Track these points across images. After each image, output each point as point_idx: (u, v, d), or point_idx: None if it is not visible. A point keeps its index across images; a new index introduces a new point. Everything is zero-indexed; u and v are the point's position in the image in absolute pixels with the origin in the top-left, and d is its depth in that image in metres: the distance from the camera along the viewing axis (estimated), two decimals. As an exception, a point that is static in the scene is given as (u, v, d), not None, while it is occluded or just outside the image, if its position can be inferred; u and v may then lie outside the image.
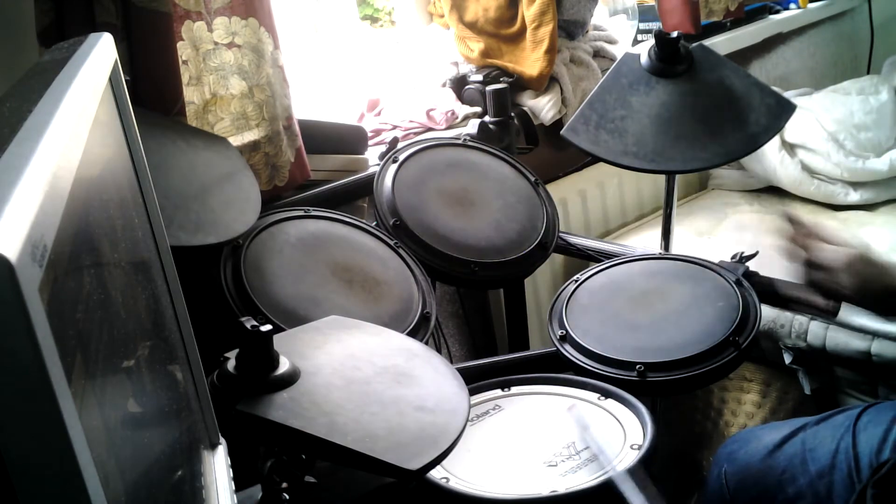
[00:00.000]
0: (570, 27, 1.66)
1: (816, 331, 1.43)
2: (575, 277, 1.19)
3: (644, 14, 1.96)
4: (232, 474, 0.76)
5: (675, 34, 1.26)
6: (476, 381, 1.05)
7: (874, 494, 0.85)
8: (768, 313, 1.47)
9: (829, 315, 1.12)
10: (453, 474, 0.89)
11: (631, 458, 0.87)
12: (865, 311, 1.29)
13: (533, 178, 1.32)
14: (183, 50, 1.12)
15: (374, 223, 1.18)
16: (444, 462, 0.80)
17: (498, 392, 1.05)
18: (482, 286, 1.50)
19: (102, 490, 0.33)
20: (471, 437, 0.95)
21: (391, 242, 1.15)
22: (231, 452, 0.80)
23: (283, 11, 1.51)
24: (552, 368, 1.07)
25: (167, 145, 1.02)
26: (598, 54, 1.74)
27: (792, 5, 2.26)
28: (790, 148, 1.90)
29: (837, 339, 1.41)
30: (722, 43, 1.98)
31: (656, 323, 1.07)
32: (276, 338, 0.75)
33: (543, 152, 1.63)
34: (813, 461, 1.01)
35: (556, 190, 1.62)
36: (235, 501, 0.72)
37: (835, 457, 0.99)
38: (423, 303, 1.10)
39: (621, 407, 0.98)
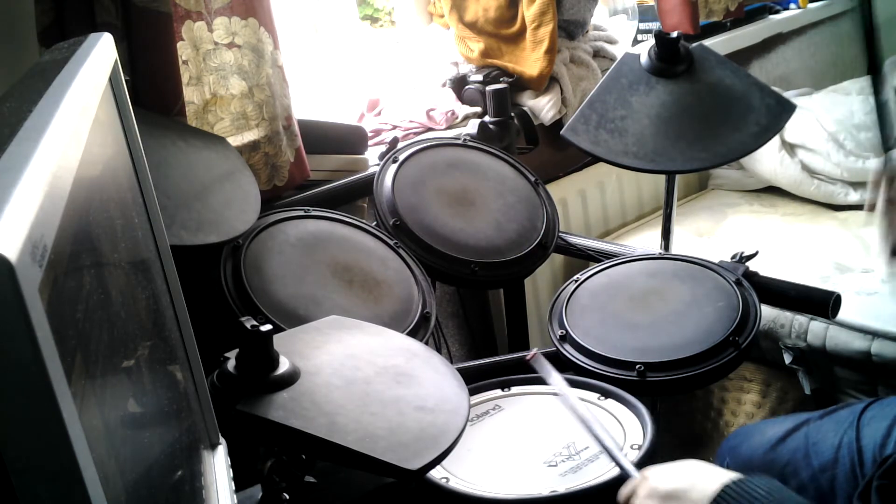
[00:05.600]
0: (570, 27, 1.66)
1: (816, 331, 1.44)
2: (575, 277, 1.19)
3: (644, 14, 1.96)
4: (232, 474, 0.76)
5: (675, 34, 1.26)
6: (476, 381, 1.05)
7: (879, 486, 0.85)
8: (768, 313, 1.47)
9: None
10: (453, 474, 0.89)
11: (631, 458, 0.87)
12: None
13: (533, 178, 1.32)
14: (183, 50, 1.12)
15: (374, 223, 1.18)
16: (445, 462, 0.80)
17: (498, 392, 1.05)
18: (482, 286, 1.50)
19: (102, 490, 0.33)
20: (471, 437, 0.95)
21: (391, 242, 1.15)
22: (231, 452, 0.80)
23: (283, 11, 1.51)
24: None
25: (167, 145, 1.03)
26: (598, 54, 1.74)
27: (792, 5, 2.26)
28: (790, 148, 1.90)
29: (837, 339, 1.41)
30: (722, 43, 1.98)
31: (656, 323, 1.07)
32: (276, 338, 0.75)
33: (543, 152, 1.63)
34: (816, 455, 1.02)
35: (556, 190, 1.62)
36: (235, 501, 0.72)
37: (838, 451, 1.00)
38: (423, 303, 1.10)
39: (621, 407, 0.98)
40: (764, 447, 1.07)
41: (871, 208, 1.05)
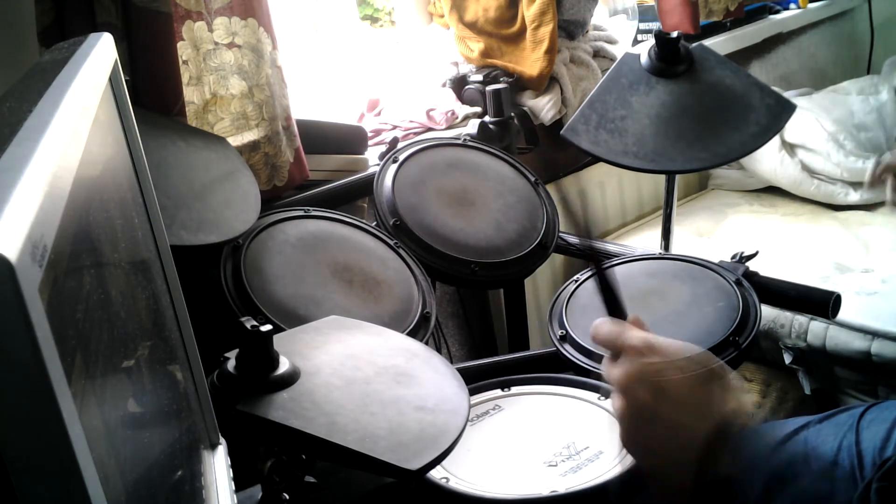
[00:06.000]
0: (570, 27, 1.66)
1: (816, 331, 1.44)
2: (575, 277, 1.19)
3: (644, 14, 1.96)
4: (232, 474, 0.76)
5: (675, 34, 1.26)
6: (476, 381, 1.05)
7: (879, 488, 0.85)
8: (768, 313, 1.47)
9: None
10: (453, 474, 0.89)
11: (631, 458, 0.87)
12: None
13: (533, 178, 1.32)
14: (183, 50, 1.12)
15: (374, 223, 1.18)
16: (445, 462, 0.80)
17: (498, 392, 1.05)
18: (482, 286, 1.50)
19: (102, 490, 0.33)
20: (471, 437, 0.95)
21: (391, 242, 1.15)
22: (231, 452, 0.80)
23: (282, 11, 1.51)
24: (552, 368, 1.07)
25: (167, 145, 1.03)
26: (598, 54, 1.74)
27: (792, 5, 2.26)
28: (790, 148, 1.90)
29: (837, 339, 1.41)
30: (722, 43, 1.98)
31: (656, 323, 1.06)
32: (276, 338, 0.75)
33: (543, 152, 1.63)
34: (815, 459, 1.01)
35: (557, 190, 1.62)
36: (235, 501, 0.72)
37: (837, 454, 1.00)
38: (423, 303, 1.10)
39: (621, 407, 0.98)
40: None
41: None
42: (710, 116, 1.23)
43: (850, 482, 0.97)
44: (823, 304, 1.10)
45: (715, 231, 1.85)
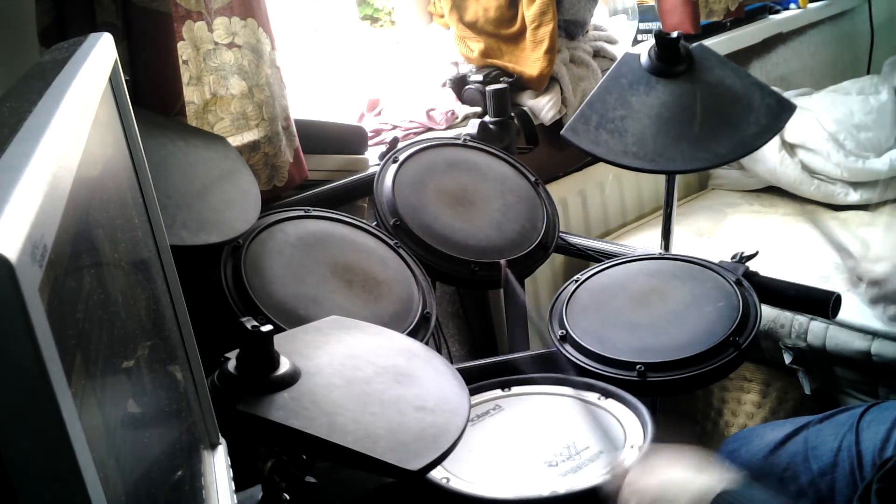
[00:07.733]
0: (570, 27, 1.66)
1: (816, 331, 1.43)
2: (575, 277, 1.19)
3: (644, 14, 1.96)
4: (232, 474, 0.76)
5: (675, 34, 1.26)
6: (476, 381, 1.05)
7: (879, 489, 0.85)
8: (768, 313, 1.47)
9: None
10: (454, 474, 0.89)
11: (631, 458, 0.87)
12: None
13: (533, 178, 1.32)
14: (183, 50, 1.12)
15: (374, 223, 1.18)
16: (445, 462, 0.80)
17: (498, 392, 1.05)
18: (482, 286, 1.50)
19: (102, 490, 0.33)
20: (471, 437, 0.95)
21: (391, 242, 1.15)
22: (231, 452, 0.80)
23: (282, 11, 1.51)
24: (552, 368, 1.07)
25: (167, 145, 1.03)
26: (598, 54, 1.74)
27: (792, 5, 2.26)
28: (790, 148, 1.90)
29: (837, 339, 1.41)
30: (722, 43, 1.98)
31: (656, 323, 1.07)
32: (277, 338, 0.75)
33: (543, 152, 1.63)
34: (815, 459, 1.01)
35: (556, 190, 1.62)
36: (235, 501, 0.72)
37: (837, 455, 0.99)
38: (423, 303, 1.10)
39: (621, 407, 0.98)
40: (763, 451, 1.07)
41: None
42: (710, 116, 1.23)
43: (850, 482, 0.97)
44: (823, 304, 1.10)
45: (715, 231, 1.84)
